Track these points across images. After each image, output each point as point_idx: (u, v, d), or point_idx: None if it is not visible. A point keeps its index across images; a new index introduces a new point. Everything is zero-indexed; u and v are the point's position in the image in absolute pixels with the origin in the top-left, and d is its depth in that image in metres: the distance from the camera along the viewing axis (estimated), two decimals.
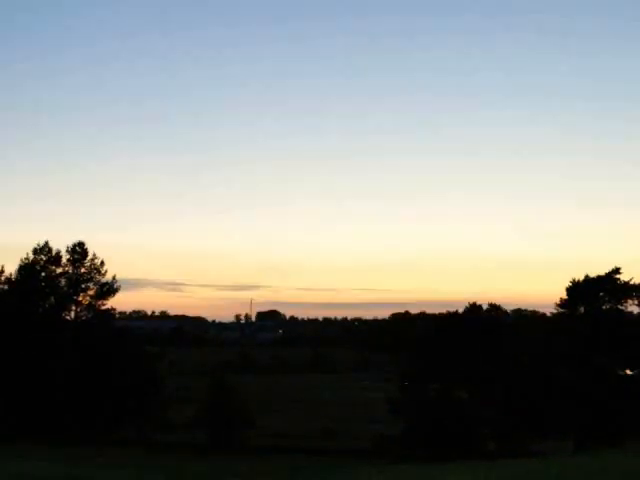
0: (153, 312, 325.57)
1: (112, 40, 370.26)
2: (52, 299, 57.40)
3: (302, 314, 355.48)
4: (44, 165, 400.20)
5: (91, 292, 57.29)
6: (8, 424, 49.42)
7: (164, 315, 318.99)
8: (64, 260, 57.18)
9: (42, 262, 57.09)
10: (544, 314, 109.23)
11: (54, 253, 57.27)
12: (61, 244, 57.98)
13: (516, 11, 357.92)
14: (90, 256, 57.42)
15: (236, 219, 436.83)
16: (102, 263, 57.59)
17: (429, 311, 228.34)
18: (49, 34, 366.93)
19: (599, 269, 52.25)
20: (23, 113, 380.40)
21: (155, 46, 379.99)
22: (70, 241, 57.81)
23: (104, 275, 57.56)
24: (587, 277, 51.34)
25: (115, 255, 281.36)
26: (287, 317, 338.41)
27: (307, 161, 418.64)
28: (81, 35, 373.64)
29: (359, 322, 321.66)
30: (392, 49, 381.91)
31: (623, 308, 51.07)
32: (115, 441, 51.56)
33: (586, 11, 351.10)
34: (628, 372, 50.39)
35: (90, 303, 57.28)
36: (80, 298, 57.22)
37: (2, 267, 57.21)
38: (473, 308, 57.80)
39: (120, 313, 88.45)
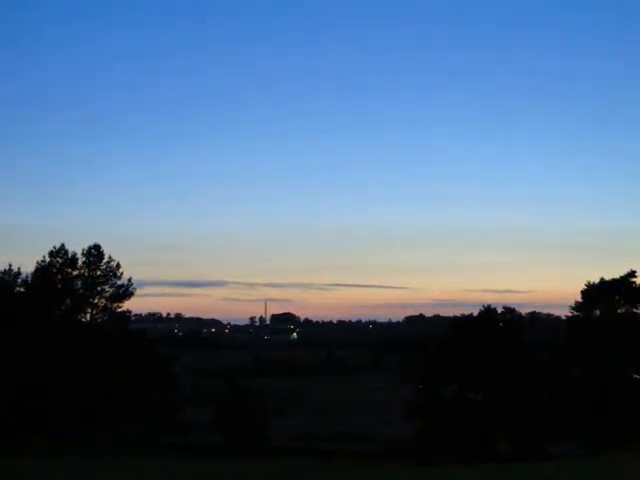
0: (168, 314, 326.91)
1: None
2: (68, 301, 57.69)
3: (316, 316, 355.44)
4: None
5: (107, 294, 57.54)
6: (23, 425, 49.75)
7: (179, 317, 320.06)
8: (80, 263, 57.46)
9: (58, 265, 57.38)
10: (559, 317, 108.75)
11: (70, 256, 57.56)
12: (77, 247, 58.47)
13: None
14: (106, 259, 57.68)
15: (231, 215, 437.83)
16: (118, 265, 57.77)
17: (443, 313, 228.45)
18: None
19: (615, 272, 51.94)
20: None
21: None
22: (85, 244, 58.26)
23: (120, 277, 57.80)
24: (602, 280, 51.12)
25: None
26: (302, 320, 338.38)
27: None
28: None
29: (373, 325, 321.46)
30: None
31: (638, 311, 50.83)
32: (130, 442, 51.81)
33: None
34: None
35: (106, 305, 57.51)
36: (96, 300, 57.44)
37: (19, 269, 57.69)
38: (488, 311, 57.61)
39: (135, 315, 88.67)
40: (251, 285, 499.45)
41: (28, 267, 57.84)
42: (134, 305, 58.57)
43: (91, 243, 58.15)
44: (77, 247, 58.14)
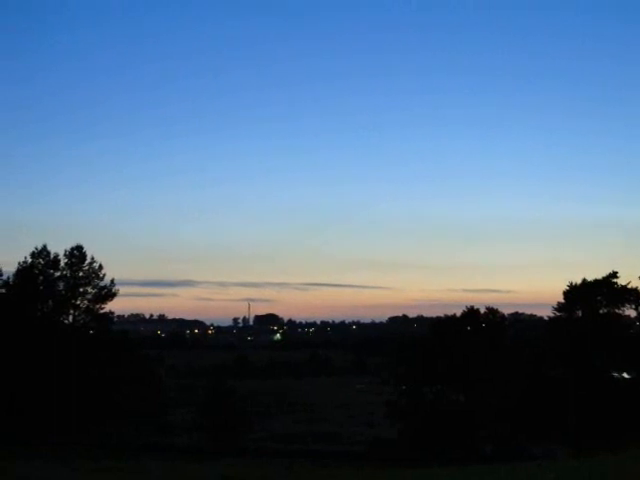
0: (151, 315, 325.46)
1: None
2: (50, 303, 57.22)
3: (300, 317, 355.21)
4: None
5: (89, 296, 57.09)
6: (6, 426, 49.28)
7: (162, 318, 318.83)
8: (62, 264, 57.02)
9: (40, 266, 56.91)
10: (542, 317, 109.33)
11: (52, 257, 57.09)
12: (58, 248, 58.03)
13: None
14: (88, 260, 57.27)
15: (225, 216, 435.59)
16: (100, 267, 57.40)
17: (426, 314, 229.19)
18: None
19: (598, 272, 52.23)
20: None
21: None
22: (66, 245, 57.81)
23: (102, 279, 57.40)
24: (584, 281, 51.32)
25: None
26: (285, 320, 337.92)
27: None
28: None
29: (357, 325, 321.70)
30: None
31: (620, 312, 51.10)
32: (113, 444, 51.51)
33: None
34: (625, 375, 50.35)
35: (88, 307, 57.08)
36: (78, 302, 57.01)
37: (0, 270, 57.12)
38: (471, 311, 57.72)
39: (118, 316, 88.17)
40: (223, 284, 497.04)
41: (9, 267, 57.40)
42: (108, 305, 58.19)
43: (67, 243, 58.00)
44: (58, 247, 57.94)
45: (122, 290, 59.86)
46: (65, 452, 42.45)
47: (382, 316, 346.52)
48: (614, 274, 50.69)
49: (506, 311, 69.19)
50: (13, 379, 51.39)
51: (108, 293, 57.52)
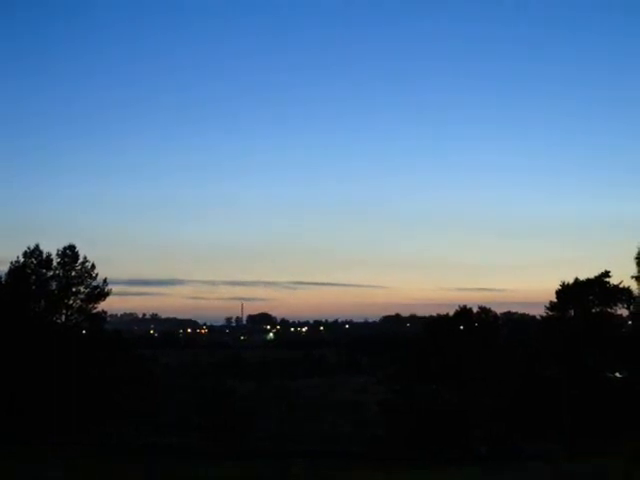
0: (144, 315, 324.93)
1: None
2: (43, 302, 57.11)
3: (293, 316, 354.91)
4: None
5: (82, 295, 57.00)
6: (6, 426, 49.14)
7: (155, 318, 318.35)
8: (55, 263, 56.92)
9: (33, 265, 56.81)
10: (534, 316, 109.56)
11: (45, 256, 56.99)
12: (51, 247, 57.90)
13: None
14: (81, 259, 57.20)
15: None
16: (93, 266, 57.34)
17: (420, 313, 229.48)
18: None
19: (591, 271, 52.57)
20: None
21: None
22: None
23: (95, 278, 57.32)
24: (577, 280, 51.58)
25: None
26: (278, 319, 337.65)
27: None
28: None
29: (350, 324, 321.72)
30: None
31: (612, 311, 51.35)
32: (111, 445, 51.39)
33: None
34: (617, 375, 50.60)
35: (81, 306, 57.00)
36: (71, 301, 56.92)
37: None
38: (463, 311, 57.89)
39: (111, 316, 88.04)
40: (215, 283, 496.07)
41: (1, 266, 57.32)
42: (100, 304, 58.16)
43: (61, 242, 57.85)
44: (50, 246, 57.83)
45: (115, 289, 59.83)
46: (65, 452, 42.37)
47: (375, 315, 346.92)
48: (606, 273, 51.02)
49: (500, 310, 69.63)
50: (13, 379, 51.27)
51: (101, 293, 57.46)
